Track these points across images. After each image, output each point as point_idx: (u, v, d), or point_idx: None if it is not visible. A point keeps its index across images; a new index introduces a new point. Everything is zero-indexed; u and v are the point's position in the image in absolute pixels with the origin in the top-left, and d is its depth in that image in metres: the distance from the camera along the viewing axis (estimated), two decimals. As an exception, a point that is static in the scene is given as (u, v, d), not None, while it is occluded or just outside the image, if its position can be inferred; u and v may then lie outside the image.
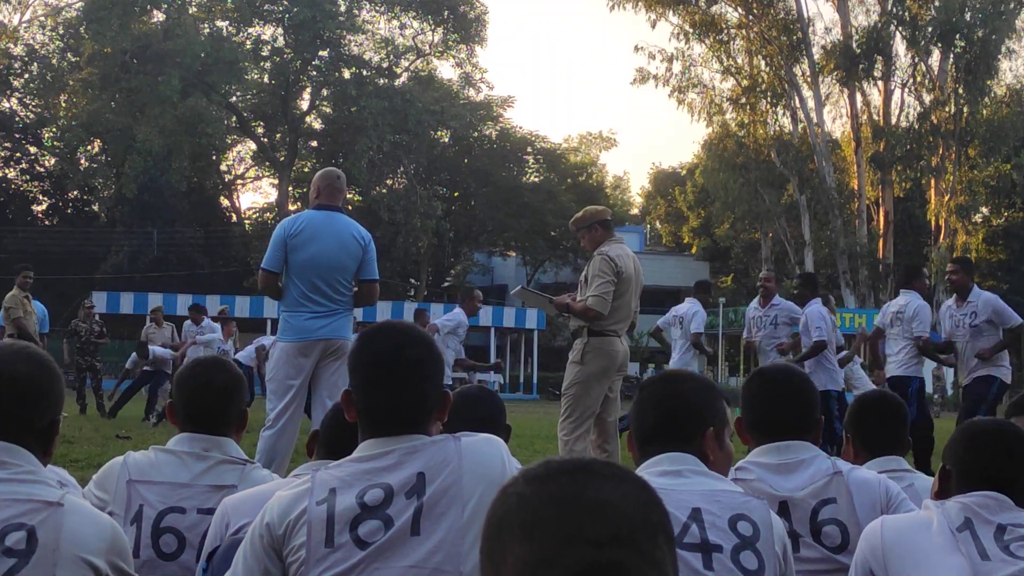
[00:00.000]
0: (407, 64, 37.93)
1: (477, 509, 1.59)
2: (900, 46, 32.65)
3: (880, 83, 32.97)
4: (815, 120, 32.42)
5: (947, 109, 31.55)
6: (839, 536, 2.07)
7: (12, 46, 35.14)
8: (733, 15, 32.78)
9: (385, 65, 36.91)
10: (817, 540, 2.06)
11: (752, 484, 2.05)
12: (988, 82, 31.44)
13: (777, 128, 33.69)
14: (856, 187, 32.89)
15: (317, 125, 38.71)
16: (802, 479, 2.10)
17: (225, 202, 41.71)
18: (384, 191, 35.49)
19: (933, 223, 32.48)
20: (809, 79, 32.53)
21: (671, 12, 32.11)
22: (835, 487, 2.07)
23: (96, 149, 36.04)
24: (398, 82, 36.57)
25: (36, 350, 1.74)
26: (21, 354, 1.69)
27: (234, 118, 36.32)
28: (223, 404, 2.28)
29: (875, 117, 33.00)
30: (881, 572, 1.77)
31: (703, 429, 1.83)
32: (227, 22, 35.65)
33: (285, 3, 34.63)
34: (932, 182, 32.55)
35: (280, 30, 35.71)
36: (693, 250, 43.06)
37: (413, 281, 38.88)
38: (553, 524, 0.80)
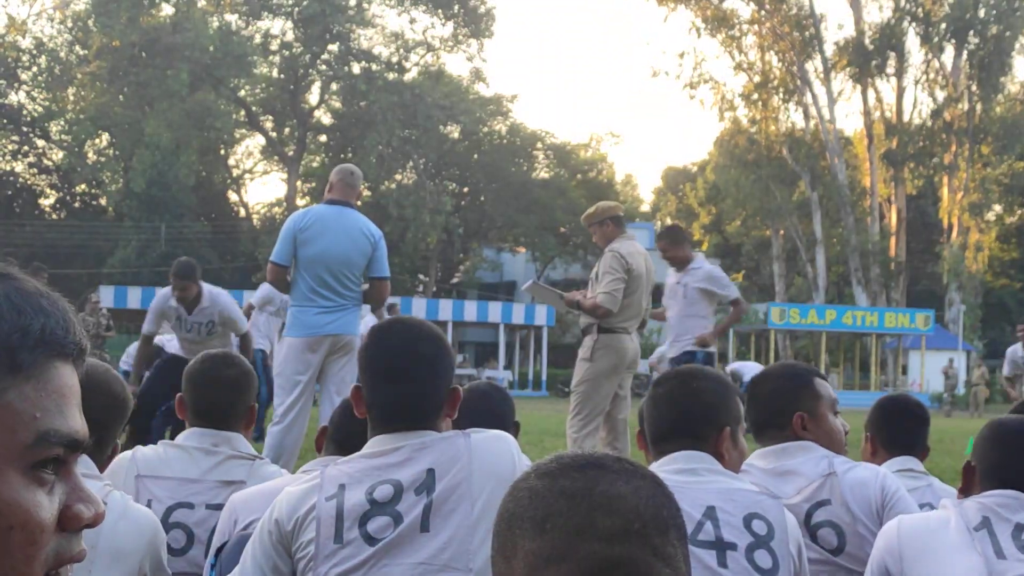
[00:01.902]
0: (417, 59, 37.94)
1: (487, 506, 1.59)
2: (913, 43, 32.56)
3: (893, 80, 32.84)
4: (827, 117, 32.31)
5: (960, 106, 31.43)
6: (835, 539, 2.07)
7: (20, 39, 35.24)
8: (746, 10, 32.69)
9: (395, 60, 36.91)
10: (814, 542, 2.07)
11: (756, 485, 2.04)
12: (1002, 79, 31.32)
13: (789, 124, 33.60)
14: (868, 184, 32.78)
15: (326, 120, 38.74)
16: (797, 483, 2.11)
17: (233, 197, 41.81)
18: (393, 186, 35.53)
19: (946, 221, 32.36)
20: (822, 75, 32.41)
21: (683, 6, 32.05)
22: (828, 489, 2.08)
23: (104, 143, 36.15)
24: (407, 77, 36.58)
25: None
26: None
27: (243, 112, 36.39)
28: (231, 399, 2.27)
29: (888, 114, 32.88)
30: (897, 570, 1.76)
31: (718, 428, 1.83)
32: (236, 16, 35.70)
33: (295, -3, 34.70)
34: (945, 179, 32.42)
35: (289, 24, 35.74)
36: (704, 247, 42.94)
37: (422, 277, 38.92)
38: (564, 519, 0.80)
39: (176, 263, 5.68)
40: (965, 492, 1.83)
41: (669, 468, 1.77)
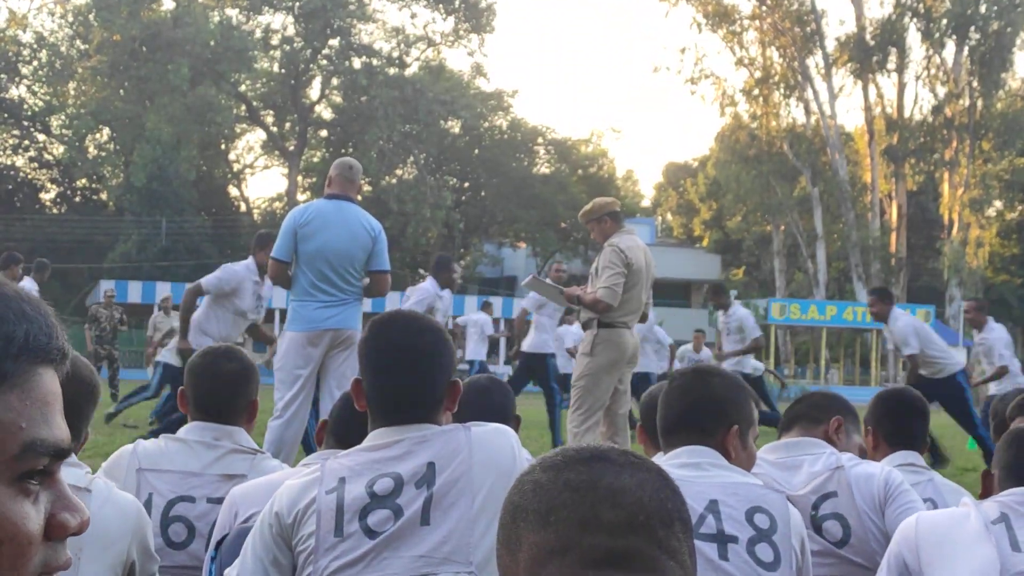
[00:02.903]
0: (417, 54, 37.90)
1: (487, 499, 1.59)
2: (914, 38, 32.48)
3: (894, 76, 32.79)
4: (828, 112, 32.26)
5: (961, 102, 31.38)
6: (840, 531, 2.10)
7: (21, 33, 35.20)
8: (747, 6, 32.66)
9: (395, 55, 36.86)
10: (819, 534, 2.10)
11: (760, 479, 2.06)
12: (1003, 75, 31.28)
13: (790, 120, 33.57)
14: (869, 180, 32.75)
15: (327, 115, 38.69)
16: (805, 475, 2.15)
17: (234, 191, 41.78)
18: (394, 181, 35.52)
19: (946, 217, 32.32)
20: (823, 71, 32.36)
21: (684, 1, 32.02)
22: (835, 481, 2.12)
23: (105, 137, 36.12)
24: (408, 72, 36.54)
25: None
26: None
27: (243, 107, 36.35)
28: (232, 393, 2.27)
29: (888, 110, 32.82)
30: (914, 562, 1.78)
31: (726, 425, 1.83)
32: (237, 10, 35.65)
33: (295, -9, 34.63)
34: (946, 175, 32.38)
35: (290, 18, 35.69)
36: (704, 243, 42.93)
37: (422, 272, 38.90)
38: (569, 511, 0.80)
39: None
40: (986, 497, 1.85)
41: (673, 462, 1.78)
